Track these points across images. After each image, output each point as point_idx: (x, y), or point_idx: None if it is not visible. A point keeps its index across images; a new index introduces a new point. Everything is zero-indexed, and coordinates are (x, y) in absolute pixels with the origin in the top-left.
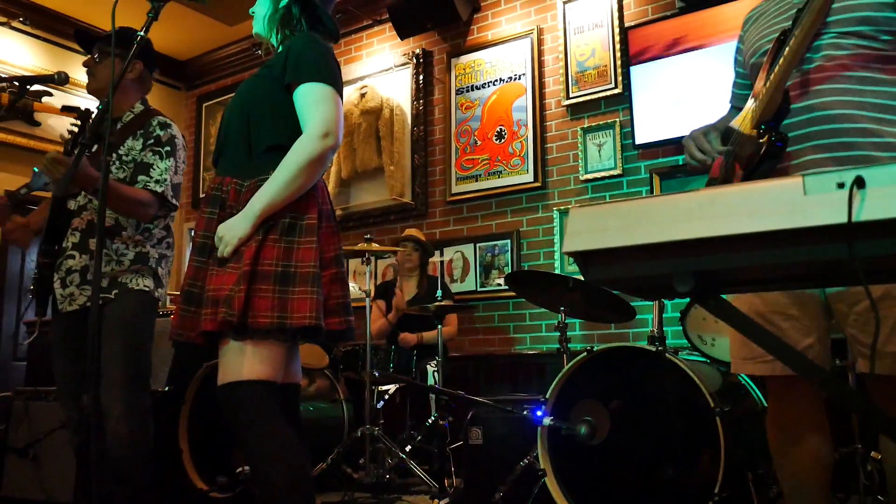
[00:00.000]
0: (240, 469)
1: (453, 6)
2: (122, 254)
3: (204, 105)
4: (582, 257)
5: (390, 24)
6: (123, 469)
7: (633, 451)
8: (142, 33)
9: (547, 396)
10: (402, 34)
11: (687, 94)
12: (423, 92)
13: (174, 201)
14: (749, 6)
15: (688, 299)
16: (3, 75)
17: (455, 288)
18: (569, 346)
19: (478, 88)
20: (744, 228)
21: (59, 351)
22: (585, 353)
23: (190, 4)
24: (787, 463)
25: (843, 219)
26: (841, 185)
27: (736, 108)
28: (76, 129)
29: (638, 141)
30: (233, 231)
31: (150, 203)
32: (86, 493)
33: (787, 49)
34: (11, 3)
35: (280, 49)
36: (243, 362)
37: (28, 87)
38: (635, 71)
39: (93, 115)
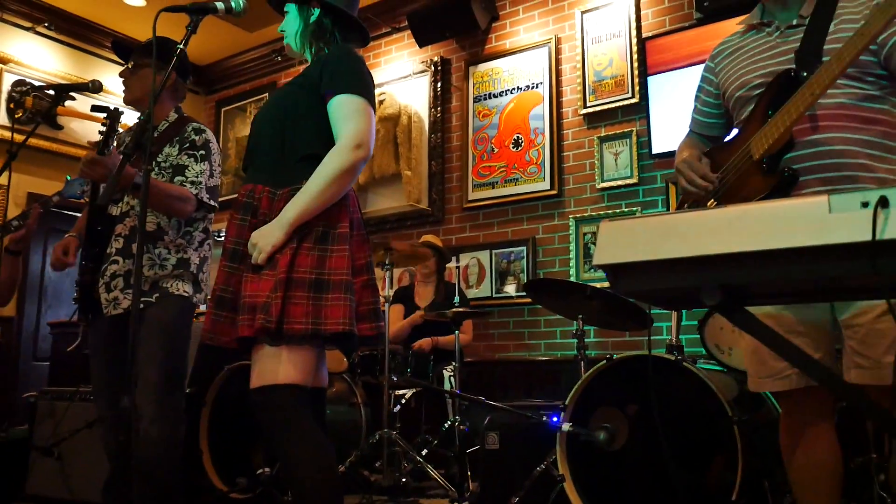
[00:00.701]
0: (260, 471)
1: (472, 15)
2: (165, 258)
3: (223, 110)
4: (612, 270)
5: (409, 31)
6: (152, 469)
7: (651, 459)
8: (181, 45)
9: (566, 403)
10: (421, 42)
11: None
12: (440, 99)
13: (211, 202)
14: None
15: (705, 309)
16: (32, 81)
17: (470, 294)
18: (586, 353)
19: (495, 96)
20: (771, 245)
21: (99, 353)
22: (605, 361)
23: (227, 18)
24: (797, 471)
25: (868, 237)
26: (865, 205)
27: (697, 134)
28: (105, 129)
29: (654, 150)
30: (267, 238)
31: (189, 199)
32: (121, 492)
33: (805, 91)
34: (37, 9)
35: (315, 61)
36: (277, 367)
37: (64, 94)
38: (652, 81)
39: (122, 115)
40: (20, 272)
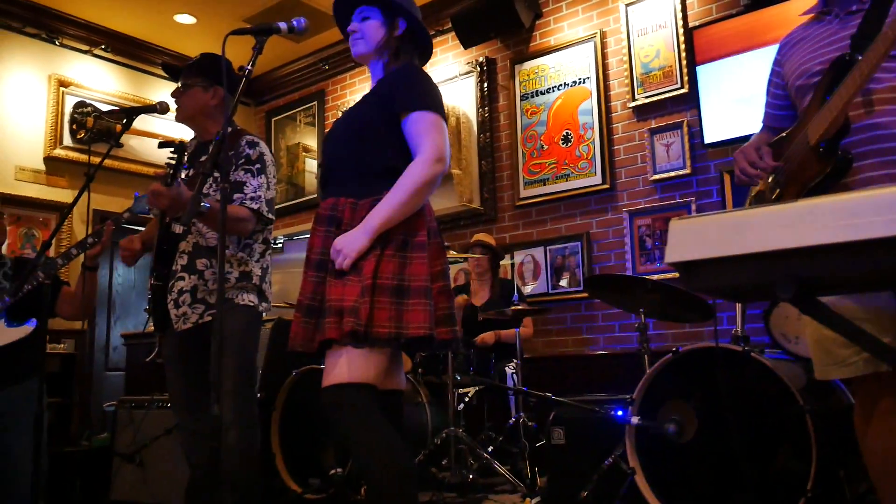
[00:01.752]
0: (332, 471)
1: (516, 14)
2: (228, 272)
3: (273, 120)
4: (684, 267)
5: (453, 33)
6: (232, 475)
7: (720, 450)
8: (249, 67)
9: (633, 396)
10: (466, 43)
11: (756, 91)
12: (487, 99)
13: (270, 215)
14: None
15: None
16: (92, 102)
17: (526, 290)
18: (653, 346)
19: (542, 94)
20: (845, 237)
21: (173, 365)
22: (671, 354)
23: (289, 37)
24: (873, 457)
25: None
26: None
27: (770, 127)
28: (173, 161)
29: (707, 140)
30: (351, 244)
31: (248, 219)
32: (204, 496)
33: (855, 73)
34: (94, 32)
35: (384, 78)
36: (351, 367)
37: (134, 116)
38: (702, 70)
39: (187, 144)
40: (97, 287)
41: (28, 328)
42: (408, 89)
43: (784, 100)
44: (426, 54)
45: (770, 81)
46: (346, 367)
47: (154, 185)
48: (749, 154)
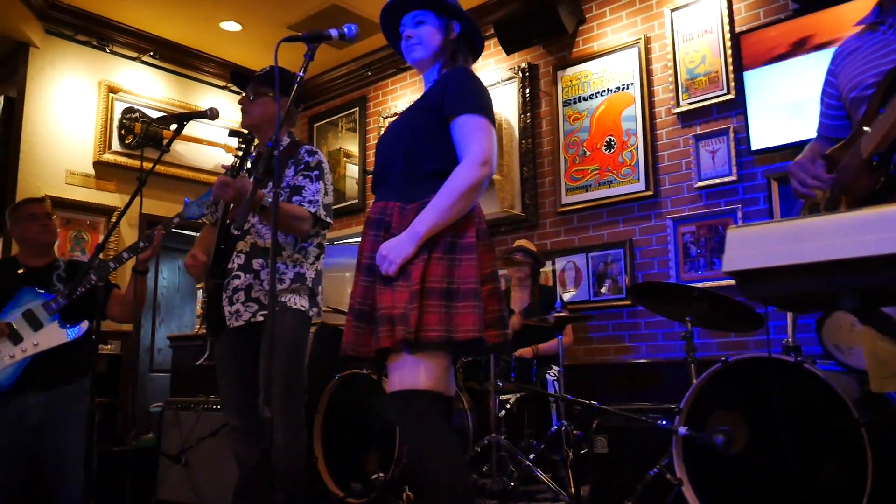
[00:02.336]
0: (375, 475)
1: (559, 20)
2: (283, 273)
3: (315, 125)
4: (741, 276)
5: (496, 39)
6: (280, 475)
7: (772, 462)
8: (301, 74)
9: (681, 406)
10: (508, 49)
11: (805, 97)
12: (529, 105)
13: (327, 219)
14: (867, 5)
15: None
16: (140, 108)
17: (567, 297)
18: (697, 355)
19: (585, 100)
20: None
21: (224, 367)
22: (720, 364)
23: (337, 43)
24: None
25: None
26: None
27: (825, 137)
28: (241, 152)
29: (754, 147)
30: (397, 250)
31: (307, 219)
32: (253, 497)
33: None
34: (142, 40)
35: (435, 82)
36: (416, 374)
37: (185, 122)
38: (749, 76)
39: (255, 145)
40: (147, 290)
41: (81, 329)
42: (457, 92)
43: (838, 110)
44: (476, 55)
45: (824, 91)
46: (413, 374)
47: (221, 177)
48: (805, 166)
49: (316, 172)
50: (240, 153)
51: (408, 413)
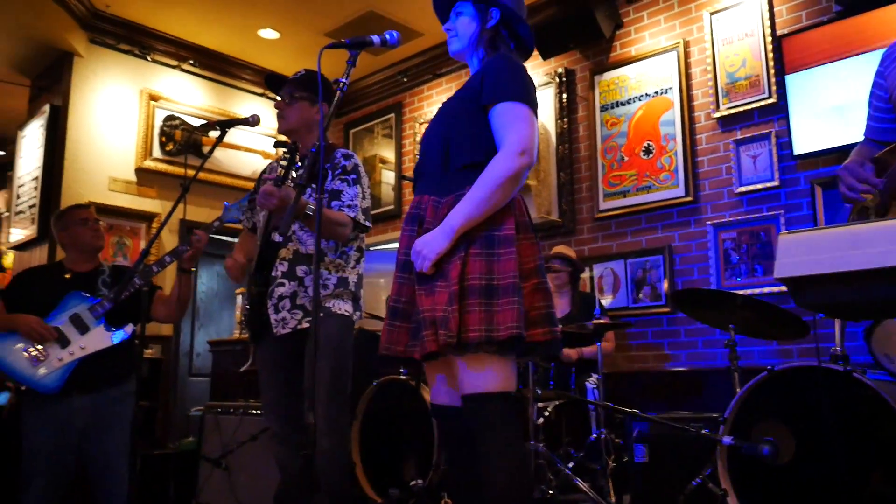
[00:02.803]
0: (413, 482)
1: (596, 25)
2: (326, 278)
3: (351, 131)
4: (793, 283)
5: None
6: (323, 481)
7: (821, 473)
8: (345, 80)
9: (725, 415)
10: (545, 54)
11: (849, 100)
12: (566, 110)
13: (366, 223)
14: None
15: None
16: (180, 115)
17: (605, 303)
18: (739, 363)
19: (623, 104)
20: None
21: (267, 373)
22: (766, 373)
23: (376, 50)
24: None
25: None
26: None
27: (873, 140)
28: (285, 162)
29: (796, 151)
30: (430, 246)
31: (347, 223)
32: (295, 502)
33: None
34: (182, 48)
35: (476, 72)
36: (488, 375)
37: (227, 129)
38: (791, 79)
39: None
40: (192, 289)
41: (126, 332)
42: (495, 80)
43: (887, 112)
44: (527, 47)
45: (872, 93)
46: (485, 376)
47: (266, 186)
48: (854, 170)
49: (353, 176)
50: (284, 163)
51: (481, 416)
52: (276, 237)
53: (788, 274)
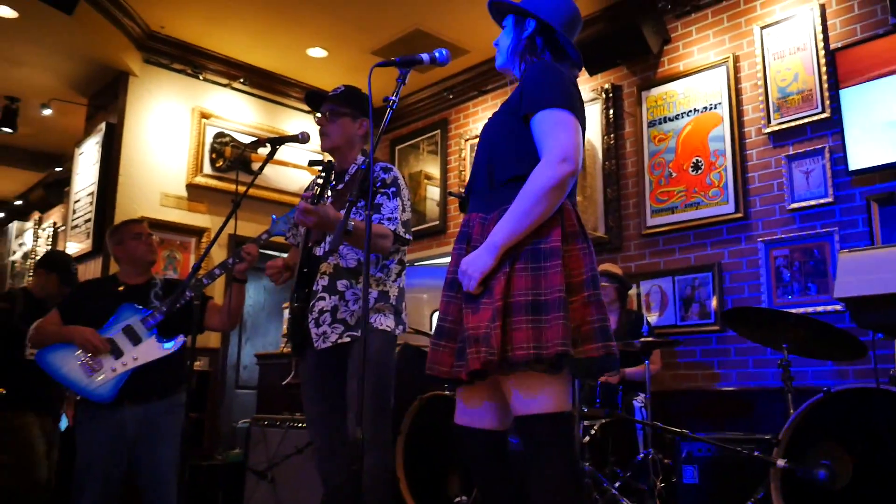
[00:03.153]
0: (457, 499)
1: (644, 40)
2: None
3: (397, 148)
4: (854, 302)
5: None
6: (367, 496)
7: (879, 499)
8: (395, 98)
9: (779, 437)
10: (592, 70)
11: None
12: (613, 126)
13: (406, 236)
14: None
15: None
16: (230, 132)
17: (652, 321)
18: (793, 384)
19: (671, 120)
20: None
21: (309, 387)
22: (822, 395)
23: (423, 67)
24: None
25: None
26: None
27: None
28: (321, 180)
29: (851, 167)
30: (475, 264)
31: (388, 236)
32: None
33: None
34: (233, 67)
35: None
36: (544, 395)
37: (278, 146)
38: (846, 94)
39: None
40: (244, 298)
41: (177, 343)
42: (533, 88)
43: None
44: (575, 62)
45: None
46: (541, 396)
47: (302, 204)
48: None
49: (392, 189)
50: (320, 181)
51: (537, 438)
52: (318, 251)
53: (849, 294)
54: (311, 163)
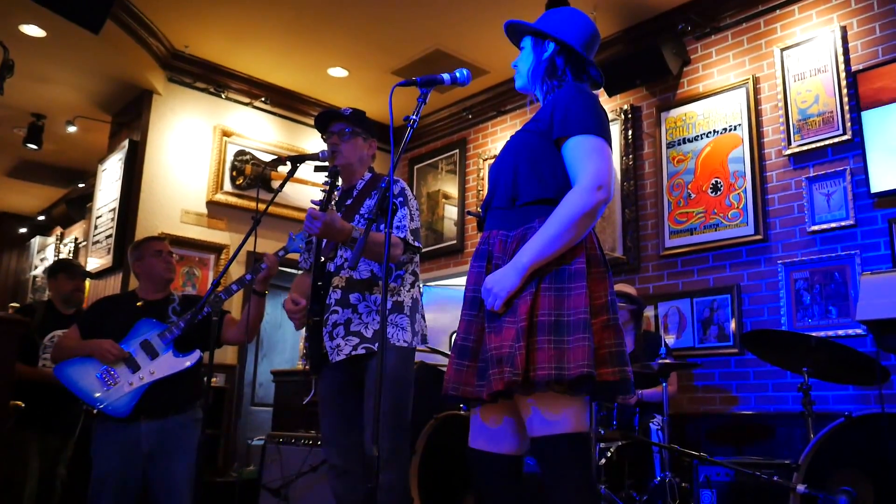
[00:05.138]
0: None
1: (663, 62)
2: (380, 305)
3: (415, 167)
4: (876, 325)
5: None
6: None
7: None
8: (416, 117)
9: (799, 462)
10: (611, 91)
11: None
12: (632, 147)
13: (416, 243)
14: None
15: None
16: (251, 151)
17: (669, 343)
18: (813, 408)
19: (690, 141)
20: None
21: (326, 405)
22: (844, 419)
23: (442, 87)
24: None
25: None
26: None
27: None
28: (327, 187)
29: (874, 189)
30: (501, 283)
31: (397, 244)
32: None
33: None
34: (255, 86)
35: (546, 103)
36: (560, 416)
37: (299, 164)
38: (868, 116)
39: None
40: (263, 311)
41: (193, 358)
42: (566, 112)
43: None
44: (596, 81)
45: None
46: (557, 416)
47: (311, 210)
48: None
49: (400, 199)
50: (326, 188)
51: (553, 459)
52: (331, 266)
53: (871, 317)
54: (317, 168)
